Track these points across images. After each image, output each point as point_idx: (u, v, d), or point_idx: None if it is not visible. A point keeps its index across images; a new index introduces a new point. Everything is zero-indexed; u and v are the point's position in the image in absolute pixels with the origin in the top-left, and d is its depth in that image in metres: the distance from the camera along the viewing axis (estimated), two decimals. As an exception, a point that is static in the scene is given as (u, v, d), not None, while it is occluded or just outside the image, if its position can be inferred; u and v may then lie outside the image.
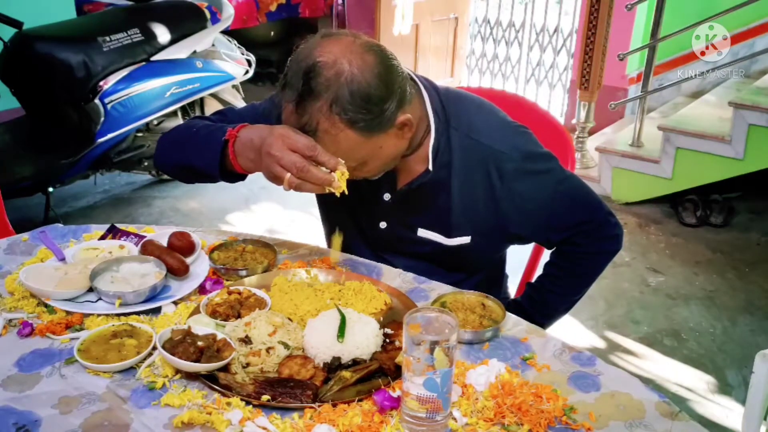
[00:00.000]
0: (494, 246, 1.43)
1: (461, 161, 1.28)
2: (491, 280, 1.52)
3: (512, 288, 1.69)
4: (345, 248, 1.43)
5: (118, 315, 1.17)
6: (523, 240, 1.42)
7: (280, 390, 0.99)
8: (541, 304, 1.44)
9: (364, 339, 1.08)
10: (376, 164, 1.22)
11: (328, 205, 1.47)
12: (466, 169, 1.28)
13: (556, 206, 1.31)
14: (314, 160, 1.10)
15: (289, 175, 1.09)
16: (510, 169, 1.27)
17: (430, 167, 1.27)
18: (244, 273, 1.31)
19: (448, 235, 1.33)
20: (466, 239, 1.33)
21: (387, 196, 1.35)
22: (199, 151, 1.25)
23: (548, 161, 1.31)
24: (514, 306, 1.44)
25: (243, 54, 3.61)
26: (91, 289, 1.22)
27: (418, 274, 1.35)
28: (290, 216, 3.48)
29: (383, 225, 1.38)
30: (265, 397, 0.98)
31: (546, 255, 1.50)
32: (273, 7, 5.14)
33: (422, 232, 1.35)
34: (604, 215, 1.37)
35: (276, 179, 1.12)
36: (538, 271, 1.66)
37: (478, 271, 1.44)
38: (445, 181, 1.29)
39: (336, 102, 1.10)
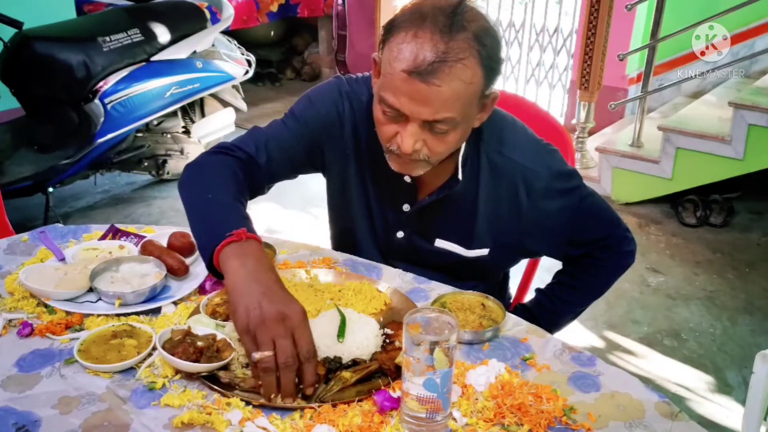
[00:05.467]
0: (509, 259, 1.43)
1: (489, 175, 1.27)
2: (495, 285, 1.52)
3: (512, 289, 1.69)
4: (357, 254, 1.42)
5: (118, 315, 1.17)
6: (538, 255, 1.41)
7: None
8: (551, 311, 1.45)
9: (364, 339, 1.08)
10: (455, 140, 1.16)
11: (343, 211, 1.44)
12: (493, 182, 1.28)
13: (579, 223, 1.32)
14: (297, 366, 0.96)
15: (269, 354, 0.95)
16: (539, 187, 1.26)
17: (460, 176, 1.26)
18: (244, 273, 1.30)
19: (468, 247, 1.33)
20: (484, 251, 1.34)
21: (406, 207, 1.34)
22: (198, 231, 1.17)
23: (574, 179, 1.31)
24: (522, 311, 1.45)
25: (243, 54, 3.61)
26: (91, 290, 1.22)
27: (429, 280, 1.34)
28: (290, 216, 3.48)
29: (400, 235, 1.38)
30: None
31: (547, 258, 1.50)
32: (273, 8, 5.14)
33: (440, 243, 1.35)
34: (622, 231, 1.39)
35: (250, 342, 0.97)
36: (539, 273, 1.66)
37: (486, 281, 1.44)
38: (472, 192, 1.28)
39: (479, 36, 1.08)
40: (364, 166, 1.35)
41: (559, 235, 1.33)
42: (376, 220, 1.39)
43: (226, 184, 1.21)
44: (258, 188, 1.34)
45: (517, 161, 1.26)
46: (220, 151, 1.30)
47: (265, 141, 1.32)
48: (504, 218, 1.30)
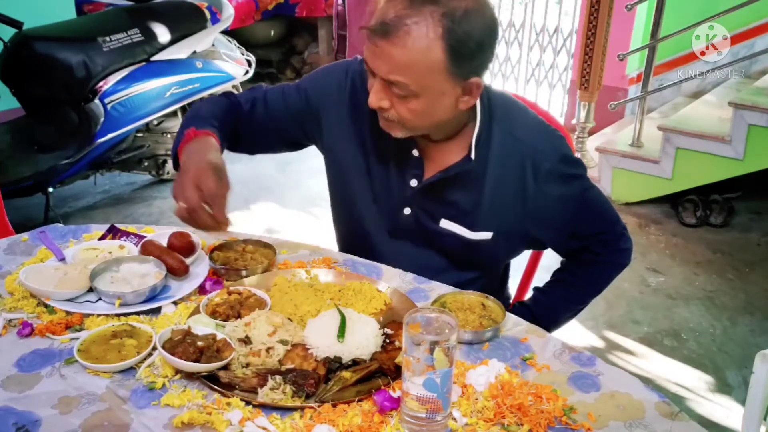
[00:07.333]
0: (512, 247, 1.43)
1: (499, 156, 1.29)
2: (496, 282, 1.52)
3: (512, 289, 1.69)
4: (362, 235, 1.43)
5: (118, 315, 1.17)
6: (541, 244, 1.41)
7: (284, 378, 1.00)
8: (550, 309, 1.45)
9: (364, 339, 1.08)
10: (419, 109, 1.18)
11: (350, 188, 1.43)
12: (502, 164, 1.29)
13: (582, 214, 1.34)
14: (209, 207, 1.15)
15: (182, 204, 1.14)
16: (546, 169, 1.28)
17: (473, 156, 1.28)
18: (244, 273, 1.31)
19: (472, 228, 1.34)
20: (487, 235, 1.34)
21: (414, 183, 1.34)
22: (173, 148, 1.35)
23: (580, 168, 1.33)
24: (520, 309, 1.45)
25: (243, 54, 3.61)
26: (91, 289, 1.22)
27: (431, 267, 1.36)
28: (290, 216, 3.47)
29: (407, 211, 1.38)
30: (266, 393, 0.98)
31: (547, 258, 1.50)
32: (272, 7, 5.14)
33: (445, 224, 1.35)
34: (621, 228, 1.42)
35: (174, 198, 1.18)
36: (539, 273, 1.67)
37: (488, 272, 1.45)
38: (481, 173, 1.30)
39: (449, 15, 1.09)
40: (366, 141, 1.36)
41: (561, 224, 1.34)
42: (383, 195, 1.39)
43: (207, 111, 1.38)
44: (240, 134, 1.42)
45: (527, 142, 1.29)
46: (220, 94, 1.47)
47: (255, 96, 1.43)
48: (509, 201, 1.31)
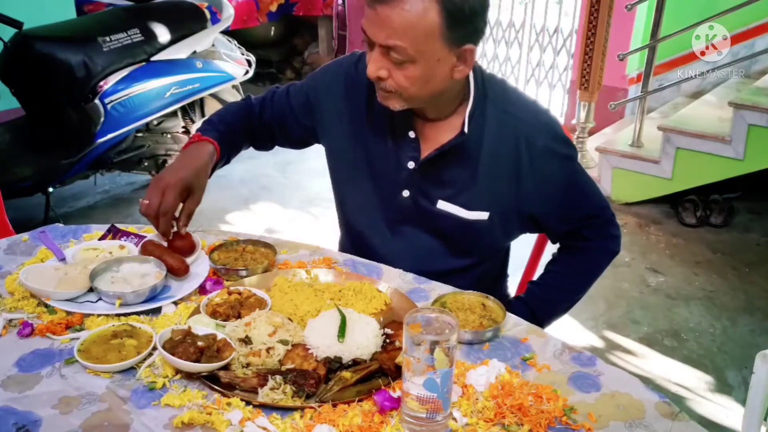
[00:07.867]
0: (508, 228, 1.43)
1: (493, 134, 1.31)
2: (493, 276, 1.53)
3: (512, 288, 1.69)
4: (364, 225, 1.45)
5: (118, 315, 1.17)
6: (536, 223, 1.42)
7: (284, 378, 1.00)
8: (544, 301, 1.46)
9: (364, 339, 1.08)
10: (416, 75, 1.19)
11: (350, 177, 1.45)
12: (496, 142, 1.31)
13: (572, 194, 1.37)
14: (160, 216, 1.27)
15: (146, 202, 1.27)
16: (540, 146, 1.30)
17: (466, 130, 1.29)
18: (244, 273, 1.31)
19: (468, 208, 1.35)
20: (484, 215, 1.35)
21: (411, 164, 1.36)
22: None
23: (572, 149, 1.37)
24: (515, 303, 1.46)
25: (243, 54, 3.61)
26: (91, 289, 1.22)
27: (430, 252, 1.39)
28: (290, 216, 3.48)
29: (406, 194, 1.39)
30: (266, 393, 0.98)
31: (547, 256, 1.50)
32: (273, 7, 5.14)
33: (442, 205, 1.36)
34: (610, 214, 1.45)
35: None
36: (539, 271, 1.67)
37: (487, 257, 1.46)
38: (475, 149, 1.32)
39: None
40: (363, 127, 1.39)
41: (552, 202, 1.36)
42: (381, 179, 1.40)
43: (219, 117, 1.49)
44: (255, 134, 1.52)
45: (521, 118, 1.31)
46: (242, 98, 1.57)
47: (265, 97, 1.51)
48: (504, 179, 1.33)
